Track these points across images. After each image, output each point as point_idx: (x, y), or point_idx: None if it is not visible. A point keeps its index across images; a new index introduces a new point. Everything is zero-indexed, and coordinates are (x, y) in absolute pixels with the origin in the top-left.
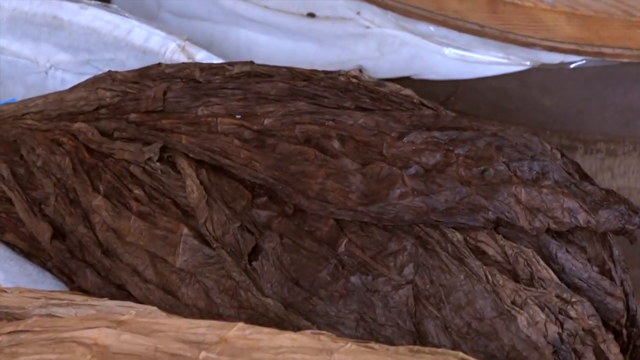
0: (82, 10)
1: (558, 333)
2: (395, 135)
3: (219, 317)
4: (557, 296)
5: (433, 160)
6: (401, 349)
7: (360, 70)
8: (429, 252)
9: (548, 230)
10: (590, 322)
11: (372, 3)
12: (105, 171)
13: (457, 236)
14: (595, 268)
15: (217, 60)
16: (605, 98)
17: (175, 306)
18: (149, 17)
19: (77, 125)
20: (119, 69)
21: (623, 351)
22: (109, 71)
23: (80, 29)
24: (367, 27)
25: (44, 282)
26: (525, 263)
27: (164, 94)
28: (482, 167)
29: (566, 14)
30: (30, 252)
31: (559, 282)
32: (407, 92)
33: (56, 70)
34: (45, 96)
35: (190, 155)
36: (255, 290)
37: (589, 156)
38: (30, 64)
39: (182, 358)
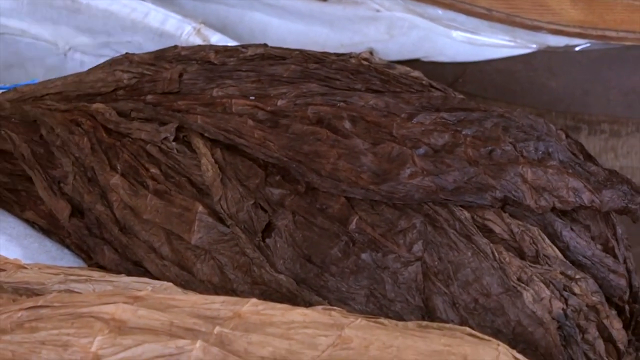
0: None
1: (562, 309)
2: (404, 117)
3: (233, 292)
4: (561, 273)
5: (442, 140)
6: (410, 324)
7: (371, 53)
8: (437, 229)
9: (553, 209)
10: (593, 298)
11: None
12: (122, 150)
13: (465, 214)
14: (599, 246)
15: (231, 43)
16: (609, 80)
17: (190, 282)
18: (166, 0)
19: (96, 106)
20: (136, 51)
21: (625, 327)
22: (127, 53)
23: (98, 12)
24: (378, 11)
25: (62, 258)
26: (531, 241)
27: (180, 75)
28: (490, 148)
29: None
30: (50, 229)
31: (564, 260)
32: (416, 74)
33: (75, 53)
34: (65, 78)
35: (206, 135)
36: (269, 267)
37: (593, 137)
38: (50, 47)
39: (197, 333)
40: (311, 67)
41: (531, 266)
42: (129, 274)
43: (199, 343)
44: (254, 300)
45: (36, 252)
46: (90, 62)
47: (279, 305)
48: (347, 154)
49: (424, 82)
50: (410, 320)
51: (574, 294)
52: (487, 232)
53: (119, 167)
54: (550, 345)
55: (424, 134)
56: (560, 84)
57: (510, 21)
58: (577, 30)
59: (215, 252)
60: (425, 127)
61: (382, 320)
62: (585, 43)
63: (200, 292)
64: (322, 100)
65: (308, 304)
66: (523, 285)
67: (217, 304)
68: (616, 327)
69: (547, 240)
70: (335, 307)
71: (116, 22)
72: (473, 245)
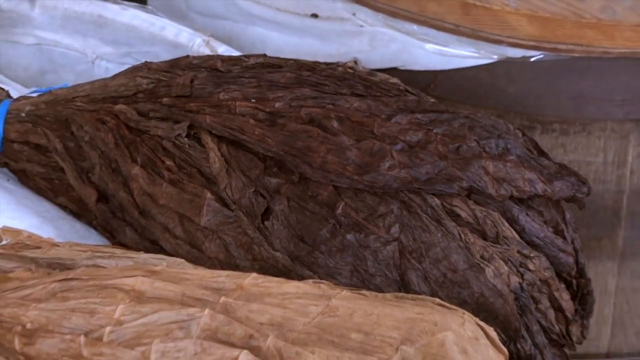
0: (123, 10)
1: (519, 283)
2: (384, 117)
3: (236, 268)
4: (518, 252)
5: (416, 138)
6: (388, 295)
7: (355, 62)
8: (412, 214)
9: (511, 197)
10: (546, 273)
11: (366, 6)
12: (142, 145)
13: (436, 201)
14: (550, 229)
15: (235, 53)
16: (559, 86)
17: (199, 259)
18: (179, 16)
19: (119, 107)
20: (154, 60)
21: (573, 298)
22: (146, 62)
23: (121, 26)
24: (361, 26)
25: (90, 237)
26: (492, 224)
27: (191, 81)
28: (457, 144)
29: (528, 16)
30: (79, 212)
31: (520, 240)
32: (394, 80)
33: (101, 61)
34: (92, 82)
35: (213, 132)
36: (267, 245)
37: (545, 135)
38: (80, 55)
39: (205, 302)
40: (304, 74)
41: (492, 246)
42: (147, 251)
43: (207, 311)
44: (254, 274)
45: (67, 232)
46: (114, 69)
47: (275, 279)
48: (334, 149)
49: (400, 87)
50: (389, 292)
51: (529, 270)
52: (455, 216)
53: (138, 160)
54: (509, 313)
55: (400, 132)
56: (517, 89)
57: (475, 35)
58: (533, 43)
59: (221, 233)
60: (401, 126)
61: (364, 292)
62: (540, 54)
63: (208, 267)
64: (314, 102)
65: (301, 278)
66: (485, 262)
67: (223, 277)
68: (565, 298)
69: (506, 223)
70: (324, 281)
71: (137, 35)
72: (442, 228)
